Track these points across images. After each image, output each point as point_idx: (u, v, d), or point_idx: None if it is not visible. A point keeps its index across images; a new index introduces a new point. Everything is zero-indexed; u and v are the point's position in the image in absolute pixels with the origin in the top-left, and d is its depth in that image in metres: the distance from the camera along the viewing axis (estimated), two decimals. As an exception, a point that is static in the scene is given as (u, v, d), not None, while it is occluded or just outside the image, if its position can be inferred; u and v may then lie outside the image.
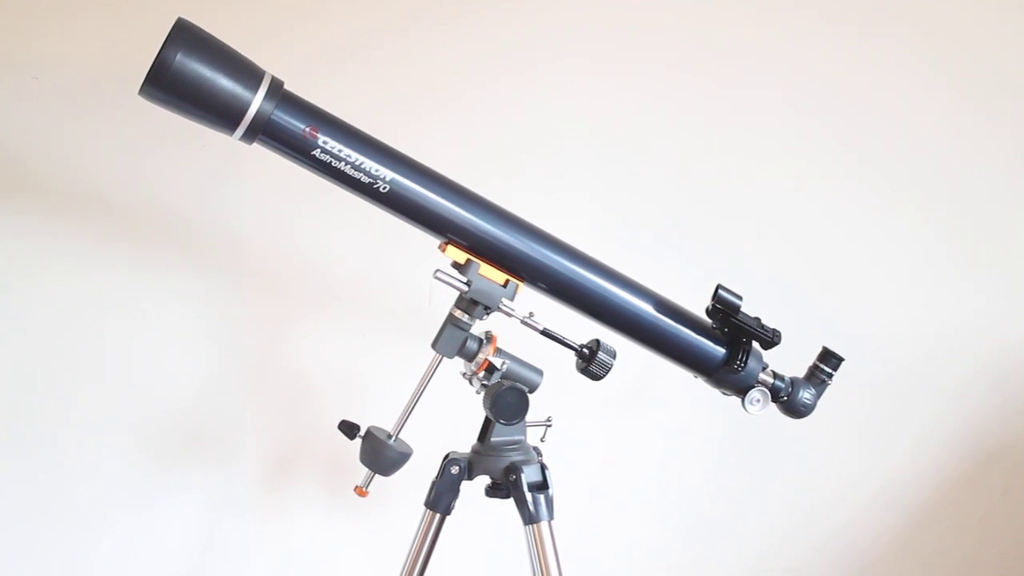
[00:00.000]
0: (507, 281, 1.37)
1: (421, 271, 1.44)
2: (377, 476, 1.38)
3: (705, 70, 2.07)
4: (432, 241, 1.38)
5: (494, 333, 1.44)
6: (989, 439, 2.23)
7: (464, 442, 1.49)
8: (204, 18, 1.23)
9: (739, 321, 1.42)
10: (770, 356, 1.49)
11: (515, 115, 2.02)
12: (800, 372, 1.53)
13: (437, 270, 1.33)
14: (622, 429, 2.15)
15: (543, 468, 1.43)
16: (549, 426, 1.50)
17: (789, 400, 1.49)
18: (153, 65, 1.16)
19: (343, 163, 1.26)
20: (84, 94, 1.84)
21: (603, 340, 1.46)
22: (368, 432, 1.38)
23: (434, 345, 1.37)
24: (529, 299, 1.42)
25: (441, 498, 1.45)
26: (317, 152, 1.25)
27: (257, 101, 1.21)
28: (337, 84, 1.80)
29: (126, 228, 1.91)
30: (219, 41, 1.21)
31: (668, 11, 2.05)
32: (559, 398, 1.60)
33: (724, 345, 1.46)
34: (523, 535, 1.40)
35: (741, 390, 1.47)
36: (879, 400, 2.19)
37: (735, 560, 2.22)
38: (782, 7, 2.09)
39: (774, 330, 1.44)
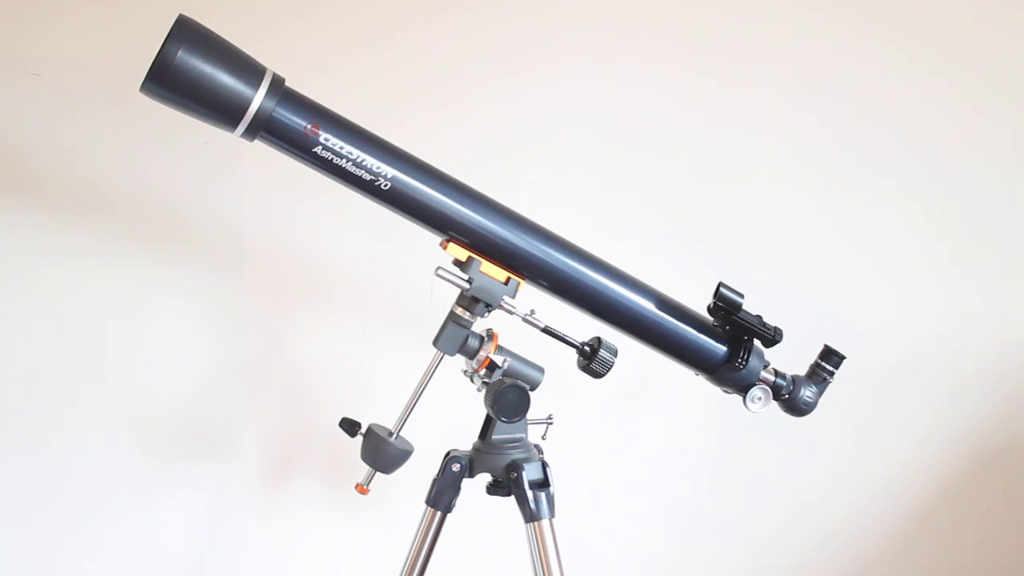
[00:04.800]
0: (508, 278, 1.37)
1: (422, 268, 1.44)
2: (378, 474, 1.38)
3: (706, 69, 2.07)
4: (433, 238, 1.38)
5: (495, 331, 1.44)
6: (990, 437, 2.23)
7: (465, 440, 1.49)
8: (206, 15, 1.23)
9: (741, 319, 1.42)
10: (771, 354, 1.49)
11: (517, 113, 2.02)
12: (801, 370, 1.53)
13: (438, 267, 1.33)
14: (623, 426, 2.15)
15: (544, 466, 1.42)
16: (550, 424, 1.50)
17: (790, 398, 1.49)
18: (154, 62, 1.15)
19: (344, 160, 1.26)
20: (85, 91, 1.84)
21: (604, 338, 1.45)
22: (369, 430, 1.38)
23: (435, 343, 1.37)
24: (530, 296, 1.41)
25: (442, 496, 1.45)
26: (318, 149, 1.25)
27: (258, 98, 1.21)
28: (339, 81, 1.79)
29: (127, 225, 1.91)
30: (220, 38, 1.21)
31: (670, 10, 2.05)
32: (560, 396, 1.60)
33: (725, 343, 1.46)
34: (524, 533, 1.40)
35: (742, 388, 1.47)
36: (880, 398, 2.19)
37: (736, 556, 2.22)
38: (783, 7, 2.09)
39: (775, 328, 1.44)
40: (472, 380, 1.46)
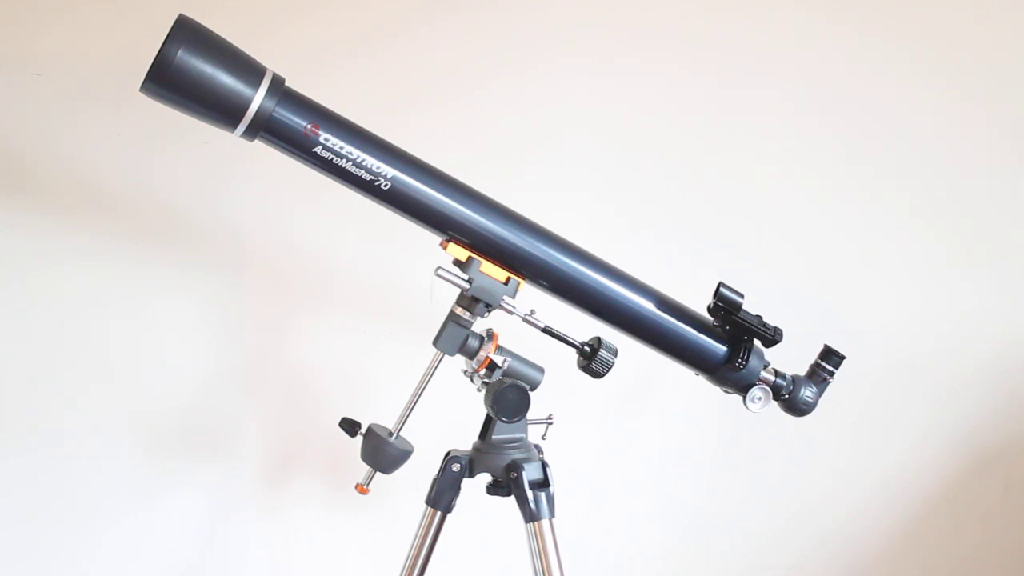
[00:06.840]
0: (508, 278, 1.37)
1: (422, 268, 1.44)
2: (378, 474, 1.38)
3: (706, 69, 2.07)
4: (433, 238, 1.38)
5: (495, 331, 1.44)
6: (990, 437, 2.23)
7: (465, 440, 1.49)
8: (205, 15, 1.23)
9: (741, 319, 1.42)
10: (771, 354, 1.49)
11: (517, 113, 2.02)
12: (801, 370, 1.53)
13: (438, 267, 1.33)
14: (623, 426, 2.15)
15: (544, 466, 1.42)
16: (550, 424, 1.50)
17: (790, 398, 1.49)
18: (154, 62, 1.16)
19: (344, 160, 1.26)
20: (85, 91, 1.84)
21: (604, 338, 1.45)
22: (369, 430, 1.38)
23: (435, 343, 1.37)
24: (530, 296, 1.41)
25: (442, 496, 1.45)
26: (318, 149, 1.25)
27: (258, 98, 1.21)
28: (339, 81, 1.80)
29: (128, 225, 1.91)
30: (220, 38, 1.21)
31: (670, 10, 2.05)
32: (560, 396, 1.60)
33: (725, 343, 1.46)
34: (524, 533, 1.40)
35: (742, 388, 1.47)
36: (880, 398, 2.19)
37: (736, 556, 2.22)
38: (783, 7, 2.09)
39: (775, 328, 1.44)
40: (472, 380, 1.46)
